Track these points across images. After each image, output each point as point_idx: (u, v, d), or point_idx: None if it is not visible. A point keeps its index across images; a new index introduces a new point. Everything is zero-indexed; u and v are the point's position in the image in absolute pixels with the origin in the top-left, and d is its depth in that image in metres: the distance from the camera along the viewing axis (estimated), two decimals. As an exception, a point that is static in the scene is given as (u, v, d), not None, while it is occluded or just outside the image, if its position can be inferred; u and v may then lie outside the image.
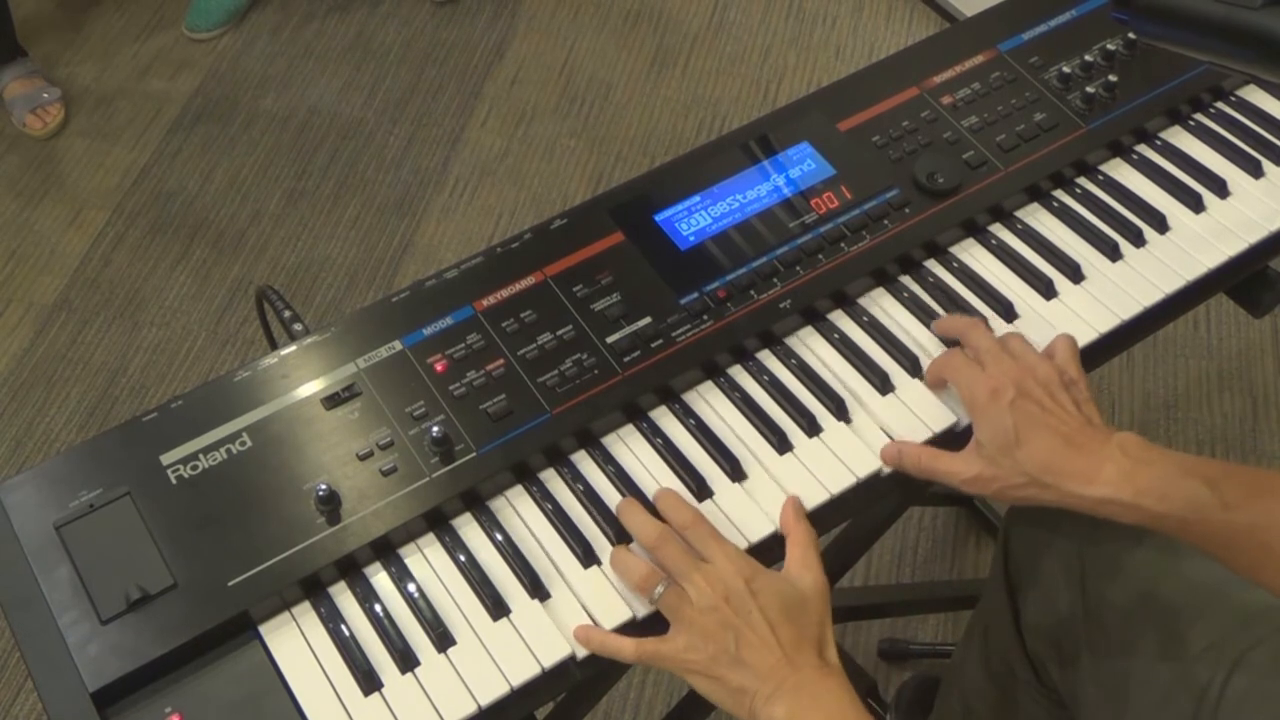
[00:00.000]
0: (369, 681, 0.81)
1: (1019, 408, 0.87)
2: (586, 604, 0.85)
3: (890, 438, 0.94)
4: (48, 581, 0.82)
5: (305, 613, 0.84)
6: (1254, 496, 0.82)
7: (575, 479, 0.91)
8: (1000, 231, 1.08)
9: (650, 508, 0.89)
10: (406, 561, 0.87)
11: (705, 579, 0.82)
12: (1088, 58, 1.17)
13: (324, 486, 0.86)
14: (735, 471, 0.92)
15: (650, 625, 0.85)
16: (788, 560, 0.86)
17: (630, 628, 0.84)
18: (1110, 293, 1.03)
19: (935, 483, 0.93)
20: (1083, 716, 1.03)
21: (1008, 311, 1.02)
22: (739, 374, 0.98)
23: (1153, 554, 1.00)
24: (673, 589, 0.83)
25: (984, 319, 1.00)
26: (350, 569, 0.86)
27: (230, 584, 0.83)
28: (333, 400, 0.92)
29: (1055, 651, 1.05)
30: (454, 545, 0.88)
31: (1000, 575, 1.12)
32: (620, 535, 0.88)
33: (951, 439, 0.94)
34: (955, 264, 1.06)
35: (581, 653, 0.83)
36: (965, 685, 1.22)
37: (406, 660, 0.82)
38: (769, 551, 0.88)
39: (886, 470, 0.93)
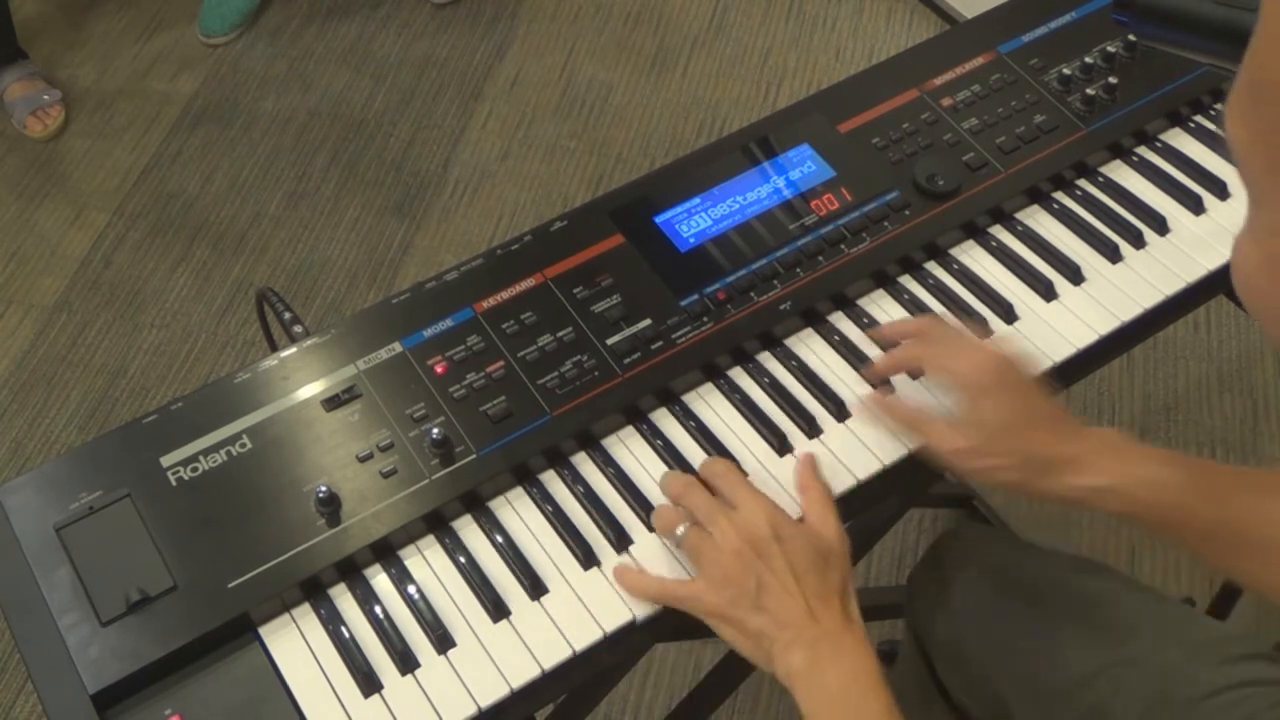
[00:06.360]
0: (369, 683, 0.81)
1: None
2: (587, 605, 0.85)
3: (893, 439, 0.94)
4: (48, 583, 0.82)
5: (305, 614, 0.84)
6: (1234, 492, 0.84)
7: (575, 480, 0.91)
8: (1000, 233, 1.08)
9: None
10: (406, 563, 0.87)
11: (730, 522, 0.82)
12: (1088, 60, 1.17)
13: (324, 488, 0.86)
14: (735, 473, 0.92)
15: (650, 627, 0.85)
16: (806, 517, 0.85)
17: (630, 631, 0.84)
18: (1110, 294, 1.03)
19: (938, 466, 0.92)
20: None
21: (1008, 313, 1.02)
22: (739, 376, 0.98)
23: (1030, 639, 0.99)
24: (695, 529, 0.83)
25: (984, 321, 1.01)
26: (350, 571, 0.86)
27: (230, 586, 0.83)
28: (333, 402, 0.92)
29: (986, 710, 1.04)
30: (454, 547, 0.88)
31: (911, 638, 1.11)
32: (620, 540, 0.88)
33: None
34: (955, 266, 1.06)
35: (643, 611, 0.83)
36: None
37: (406, 662, 0.82)
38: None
39: (888, 463, 0.92)
